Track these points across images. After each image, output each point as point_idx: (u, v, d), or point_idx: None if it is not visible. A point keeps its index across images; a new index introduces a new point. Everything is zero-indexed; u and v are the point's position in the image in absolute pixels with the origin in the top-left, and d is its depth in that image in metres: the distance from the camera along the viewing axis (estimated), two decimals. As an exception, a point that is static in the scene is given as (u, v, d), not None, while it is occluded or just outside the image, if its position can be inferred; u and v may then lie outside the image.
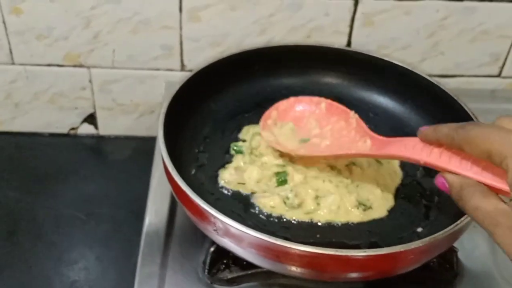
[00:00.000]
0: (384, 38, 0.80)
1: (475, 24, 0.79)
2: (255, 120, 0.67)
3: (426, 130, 0.46)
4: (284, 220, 0.58)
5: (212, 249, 0.57)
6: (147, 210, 0.66)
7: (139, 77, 0.83)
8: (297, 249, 0.48)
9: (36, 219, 0.76)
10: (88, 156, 0.87)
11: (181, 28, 0.78)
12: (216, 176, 0.62)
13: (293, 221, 0.58)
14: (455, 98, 0.64)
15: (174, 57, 0.81)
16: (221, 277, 0.58)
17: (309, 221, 0.58)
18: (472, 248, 0.63)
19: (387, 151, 0.53)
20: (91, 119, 0.88)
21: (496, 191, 0.40)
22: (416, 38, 0.80)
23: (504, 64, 0.84)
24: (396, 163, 0.64)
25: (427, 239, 0.49)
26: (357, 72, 0.73)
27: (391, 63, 0.71)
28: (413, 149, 0.48)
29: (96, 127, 0.88)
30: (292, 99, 0.66)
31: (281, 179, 0.60)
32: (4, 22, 0.77)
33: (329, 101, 0.65)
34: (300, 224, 0.57)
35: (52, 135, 0.89)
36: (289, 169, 0.61)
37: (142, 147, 0.87)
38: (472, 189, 0.40)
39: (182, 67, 0.82)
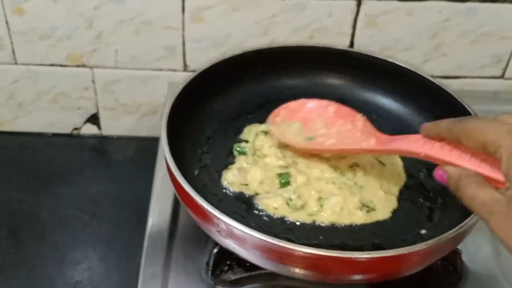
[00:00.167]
0: (387, 39, 0.80)
1: (478, 25, 0.79)
2: (258, 121, 0.67)
3: (427, 125, 0.48)
4: (287, 221, 0.58)
5: (215, 250, 0.57)
6: (150, 210, 0.66)
7: (142, 77, 0.83)
8: (300, 251, 0.48)
9: (39, 220, 0.76)
10: (91, 156, 0.87)
11: (183, 29, 0.78)
12: (219, 177, 0.62)
13: (296, 223, 0.57)
14: (459, 99, 0.64)
15: (177, 58, 0.80)
16: (224, 278, 0.58)
17: (312, 222, 0.57)
18: (475, 250, 0.63)
19: (389, 146, 0.55)
20: (94, 119, 0.88)
21: (493, 184, 0.41)
22: (419, 39, 0.80)
23: (507, 65, 0.84)
24: (400, 165, 0.64)
25: (431, 241, 0.49)
26: (360, 73, 0.73)
27: (394, 64, 0.70)
28: (414, 143, 0.50)
29: (99, 127, 0.88)
30: (302, 101, 0.67)
31: (284, 180, 0.60)
32: (7, 22, 0.77)
33: (338, 104, 0.65)
34: (303, 225, 0.57)
35: (55, 135, 0.89)
36: (292, 170, 0.61)
37: (145, 147, 0.86)
38: (469, 179, 0.42)
39: (185, 68, 0.82)
